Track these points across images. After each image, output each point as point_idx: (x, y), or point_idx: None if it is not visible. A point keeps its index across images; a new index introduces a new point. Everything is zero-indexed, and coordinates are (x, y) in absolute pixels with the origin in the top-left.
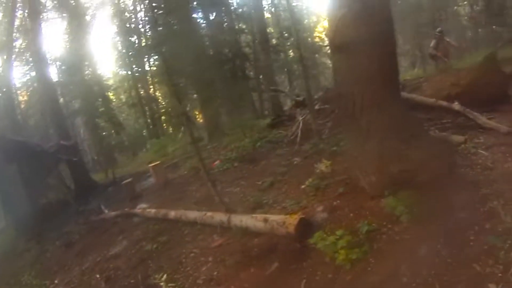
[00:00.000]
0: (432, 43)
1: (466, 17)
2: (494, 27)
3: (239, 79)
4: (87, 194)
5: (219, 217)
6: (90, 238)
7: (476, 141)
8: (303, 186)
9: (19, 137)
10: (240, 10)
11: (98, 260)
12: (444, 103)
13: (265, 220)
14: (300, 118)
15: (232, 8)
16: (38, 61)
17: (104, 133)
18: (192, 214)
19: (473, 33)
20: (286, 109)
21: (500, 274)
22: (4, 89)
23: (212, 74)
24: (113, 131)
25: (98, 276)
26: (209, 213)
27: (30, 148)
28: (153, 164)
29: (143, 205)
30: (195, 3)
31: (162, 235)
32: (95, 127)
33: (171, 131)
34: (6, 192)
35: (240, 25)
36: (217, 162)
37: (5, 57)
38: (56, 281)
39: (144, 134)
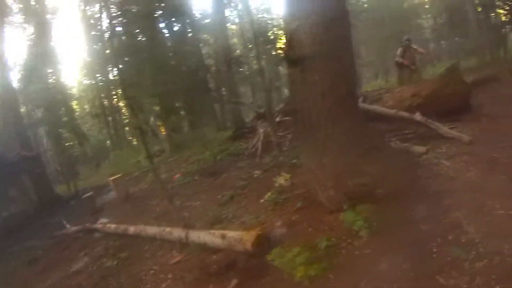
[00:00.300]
0: (399, 51)
1: (429, 29)
2: (456, 38)
3: (201, 91)
4: (50, 208)
5: (178, 233)
6: (53, 254)
7: (438, 151)
8: (262, 200)
9: None
10: (203, 21)
11: (60, 277)
12: (405, 114)
13: (223, 236)
14: (261, 131)
15: (195, 19)
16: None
17: (67, 144)
18: (152, 230)
19: (436, 45)
20: (248, 121)
21: (465, 286)
22: None
23: (173, 85)
24: (76, 141)
25: None
26: (167, 229)
27: None
28: (114, 177)
29: (104, 220)
30: (158, 13)
31: (122, 251)
32: (58, 137)
33: (134, 142)
34: None
35: (203, 36)
36: (177, 176)
37: None
38: None
39: (107, 145)
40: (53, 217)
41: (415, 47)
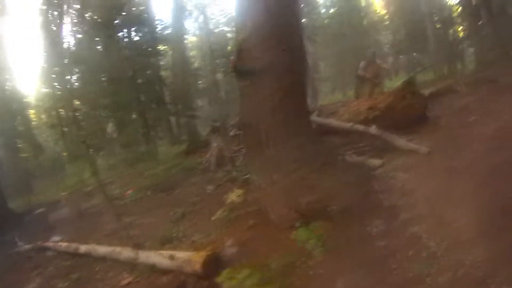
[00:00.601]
0: (362, 64)
1: (388, 45)
2: (414, 53)
3: (156, 103)
4: (2, 224)
5: (127, 253)
6: (6, 274)
7: (395, 163)
8: (214, 218)
9: None
10: (162, 32)
11: None
12: (361, 127)
13: (172, 257)
14: (215, 145)
15: (155, 29)
16: None
17: (21, 155)
18: (102, 250)
19: (395, 59)
20: (203, 135)
21: None
22: None
23: (127, 97)
24: (31, 153)
25: None
26: (117, 249)
27: None
28: (66, 192)
29: (56, 238)
30: (117, 22)
31: (73, 271)
32: (13, 148)
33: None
34: None
35: (161, 47)
36: (130, 191)
37: None
38: None
39: (64, 157)
40: (5, 235)
41: (379, 62)
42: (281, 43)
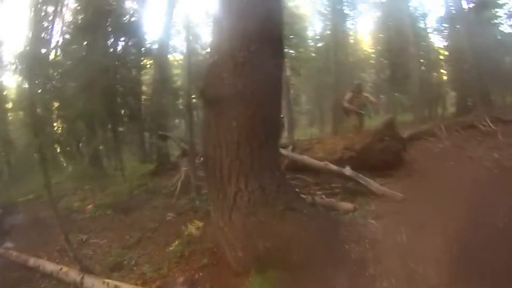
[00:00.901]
0: (347, 95)
1: (370, 83)
2: (396, 94)
3: (130, 117)
4: None
5: (74, 275)
6: None
7: (367, 209)
8: (169, 249)
9: None
10: (148, 46)
11: None
12: (335, 167)
13: None
14: (183, 169)
15: (141, 42)
16: None
17: None
18: (49, 266)
19: (375, 99)
20: (173, 157)
21: None
22: None
23: (101, 107)
24: (2, 149)
25: None
26: (64, 269)
27: None
28: (26, 197)
29: (9, 245)
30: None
31: (19, 285)
32: None
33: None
34: None
35: (145, 61)
36: (90, 206)
37: None
38: None
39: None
40: None
41: (365, 94)
42: (256, 71)
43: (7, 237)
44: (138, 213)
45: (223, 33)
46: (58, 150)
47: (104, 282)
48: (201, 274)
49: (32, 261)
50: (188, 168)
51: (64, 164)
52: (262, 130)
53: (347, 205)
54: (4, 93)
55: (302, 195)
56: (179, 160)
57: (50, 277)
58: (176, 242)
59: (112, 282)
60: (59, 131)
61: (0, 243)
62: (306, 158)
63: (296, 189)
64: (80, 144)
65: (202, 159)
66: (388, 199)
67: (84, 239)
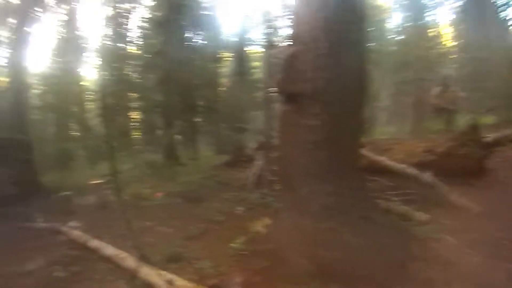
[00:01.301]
0: (434, 91)
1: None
2: (478, 93)
3: (207, 109)
4: (28, 196)
5: (130, 262)
6: (8, 246)
7: (443, 222)
8: (232, 244)
9: None
10: (226, 38)
11: (10, 274)
12: (414, 171)
13: (170, 283)
14: (258, 163)
15: (220, 35)
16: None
17: (68, 134)
18: (108, 250)
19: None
20: (249, 149)
21: None
22: None
23: (176, 100)
24: (78, 133)
25: None
26: (123, 254)
27: None
28: (95, 181)
29: (73, 224)
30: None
31: (76, 264)
32: (62, 126)
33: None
34: None
35: (223, 54)
36: (159, 194)
37: None
38: None
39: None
40: (27, 207)
41: (453, 89)
42: (340, 64)
43: (73, 216)
44: (207, 204)
45: (303, 23)
46: (134, 137)
47: (159, 274)
48: (259, 277)
49: (92, 243)
50: (262, 162)
51: (139, 152)
52: (343, 129)
53: (422, 216)
54: (84, 83)
55: (377, 200)
56: (254, 153)
57: (107, 260)
58: (241, 238)
59: (166, 275)
60: (136, 120)
61: (65, 221)
62: (384, 160)
63: (373, 195)
64: (156, 133)
65: (277, 154)
66: (466, 212)
67: (148, 226)
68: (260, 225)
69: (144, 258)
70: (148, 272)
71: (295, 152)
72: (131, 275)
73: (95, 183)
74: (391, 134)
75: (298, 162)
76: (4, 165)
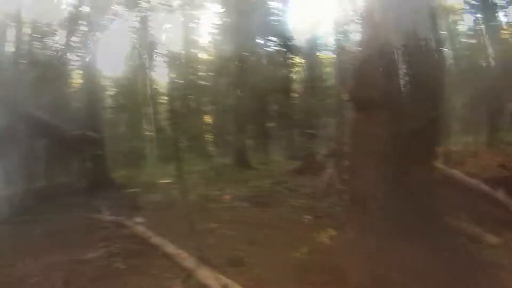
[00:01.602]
0: None
1: None
2: None
3: (280, 114)
4: (98, 189)
5: (190, 262)
6: (73, 234)
7: None
8: (296, 254)
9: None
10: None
11: (69, 259)
12: (487, 188)
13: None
14: (328, 170)
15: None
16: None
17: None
18: (169, 248)
19: None
20: (319, 156)
21: None
22: None
23: (247, 104)
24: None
25: (60, 274)
26: (184, 254)
27: (56, 129)
28: (164, 180)
29: (138, 220)
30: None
31: (136, 257)
32: (135, 125)
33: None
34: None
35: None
36: (227, 196)
37: None
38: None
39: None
40: (95, 200)
41: None
42: (413, 70)
43: (138, 212)
44: (274, 210)
45: (374, 28)
46: (206, 140)
47: (216, 277)
48: None
49: (154, 239)
50: (333, 170)
51: (210, 154)
52: (420, 141)
53: (493, 239)
54: (155, 86)
55: (447, 218)
56: (325, 160)
57: (168, 258)
58: (305, 248)
59: (223, 279)
60: (208, 124)
61: (131, 216)
62: (457, 173)
63: (443, 212)
64: (228, 137)
65: (347, 163)
66: None
67: (213, 228)
68: (325, 236)
69: (203, 260)
70: (205, 274)
71: (364, 163)
72: (188, 275)
73: (164, 182)
74: (465, 144)
75: (367, 174)
76: (77, 159)
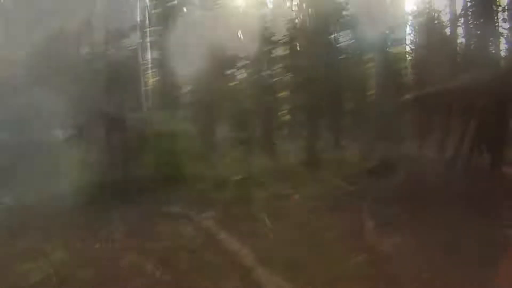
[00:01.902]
0: None
1: None
2: None
3: (352, 112)
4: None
5: (247, 262)
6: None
7: None
8: (351, 262)
9: None
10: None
11: (132, 249)
12: None
13: None
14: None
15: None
16: None
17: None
18: (232, 245)
19: None
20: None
21: None
22: None
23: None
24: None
25: None
26: (242, 252)
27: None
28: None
29: (208, 215)
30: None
31: (198, 251)
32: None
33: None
34: None
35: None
36: (297, 196)
37: None
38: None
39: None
40: (169, 194)
41: None
42: (483, 66)
43: (210, 207)
44: (341, 213)
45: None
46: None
47: (271, 279)
48: None
49: (220, 235)
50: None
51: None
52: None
53: None
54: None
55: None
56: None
57: (229, 254)
58: (362, 256)
59: (279, 281)
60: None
61: (202, 211)
62: None
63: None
64: (301, 134)
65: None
66: None
67: (275, 228)
68: (387, 244)
69: (263, 260)
70: (262, 275)
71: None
72: (245, 274)
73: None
74: None
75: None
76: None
